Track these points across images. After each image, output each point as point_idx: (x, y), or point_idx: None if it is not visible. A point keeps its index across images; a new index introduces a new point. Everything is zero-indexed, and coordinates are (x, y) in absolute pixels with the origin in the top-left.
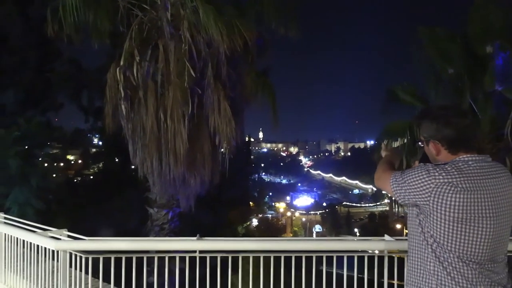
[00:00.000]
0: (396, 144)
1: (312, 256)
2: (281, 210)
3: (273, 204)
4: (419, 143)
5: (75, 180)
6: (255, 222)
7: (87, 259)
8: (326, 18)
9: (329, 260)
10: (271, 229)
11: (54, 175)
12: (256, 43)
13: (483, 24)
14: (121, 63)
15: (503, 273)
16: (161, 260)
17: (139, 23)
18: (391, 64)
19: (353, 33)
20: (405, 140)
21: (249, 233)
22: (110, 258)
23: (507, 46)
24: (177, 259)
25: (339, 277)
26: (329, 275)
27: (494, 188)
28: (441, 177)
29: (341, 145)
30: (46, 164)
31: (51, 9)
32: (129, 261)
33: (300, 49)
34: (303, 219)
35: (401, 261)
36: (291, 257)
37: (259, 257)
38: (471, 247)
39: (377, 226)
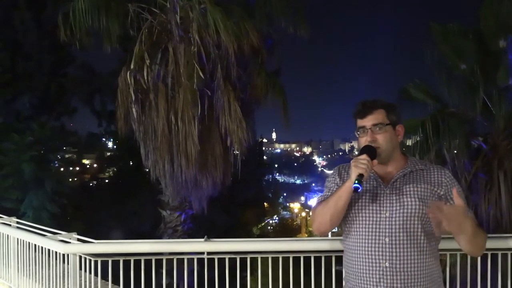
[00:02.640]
0: (409, 142)
1: (321, 256)
2: (296, 210)
3: (288, 204)
4: (380, 126)
5: (91, 184)
6: (270, 222)
7: (96, 262)
8: (339, 16)
9: (338, 259)
10: (286, 229)
11: (70, 179)
12: (266, 43)
13: (496, 19)
14: (132, 66)
15: None
16: (170, 262)
17: (148, 26)
18: (404, 61)
19: (366, 30)
20: (418, 138)
21: (264, 234)
22: (119, 260)
23: None
24: (185, 261)
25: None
26: (339, 274)
27: None
28: None
29: (355, 144)
30: (62, 169)
31: (62, 14)
32: (138, 263)
33: (312, 47)
34: None
35: None
36: (299, 257)
37: (268, 257)
38: None
39: None
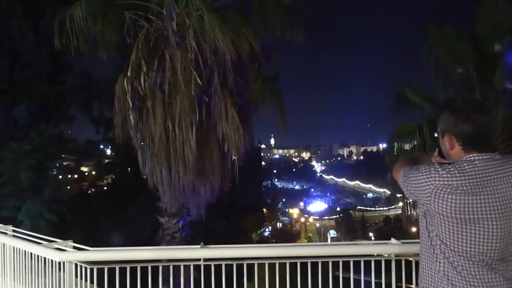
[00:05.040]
0: (407, 146)
1: (318, 262)
2: (295, 216)
3: (287, 210)
4: (435, 134)
5: (89, 192)
6: (269, 228)
7: (92, 270)
8: (337, 20)
9: (335, 264)
10: (285, 235)
11: (68, 187)
12: (262, 49)
13: (492, 22)
14: (129, 74)
15: None
16: (167, 269)
17: (145, 33)
18: (402, 65)
19: (364, 35)
20: (415, 142)
21: (263, 240)
22: (115, 268)
23: None
24: (182, 268)
25: (346, 281)
26: (336, 279)
27: (503, 187)
28: (441, 178)
29: (353, 149)
30: (60, 177)
31: (59, 22)
32: (134, 270)
33: (309, 53)
34: (317, 225)
35: (408, 264)
36: (296, 263)
37: (265, 263)
38: (476, 248)
39: (392, 229)
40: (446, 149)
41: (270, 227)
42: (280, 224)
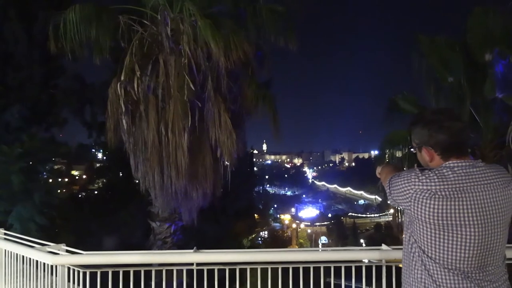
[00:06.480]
0: (399, 153)
1: (310, 267)
2: (286, 222)
3: (278, 216)
4: (412, 149)
5: (80, 196)
6: (260, 234)
7: (85, 273)
8: (331, 27)
9: (327, 270)
10: (277, 241)
11: (59, 191)
12: (256, 55)
13: (482, 32)
14: (122, 78)
15: (499, 281)
16: (159, 273)
17: (139, 38)
18: (394, 73)
19: (357, 42)
20: (407, 150)
21: (255, 245)
22: (108, 272)
23: (507, 52)
24: (175, 272)
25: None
26: (327, 285)
27: (482, 194)
28: (420, 183)
29: (345, 155)
30: (50, 180)
31: (53, 25)
32: (127, 274)
33: (303, 59)
34: (309, 231)
35: (399, 270)
36: (288, 268)
37: (257, 268)
38: (453, 255)
39: (383, 236)
40: (426, 161)
41: (261, 234)
42: (266, 233)
